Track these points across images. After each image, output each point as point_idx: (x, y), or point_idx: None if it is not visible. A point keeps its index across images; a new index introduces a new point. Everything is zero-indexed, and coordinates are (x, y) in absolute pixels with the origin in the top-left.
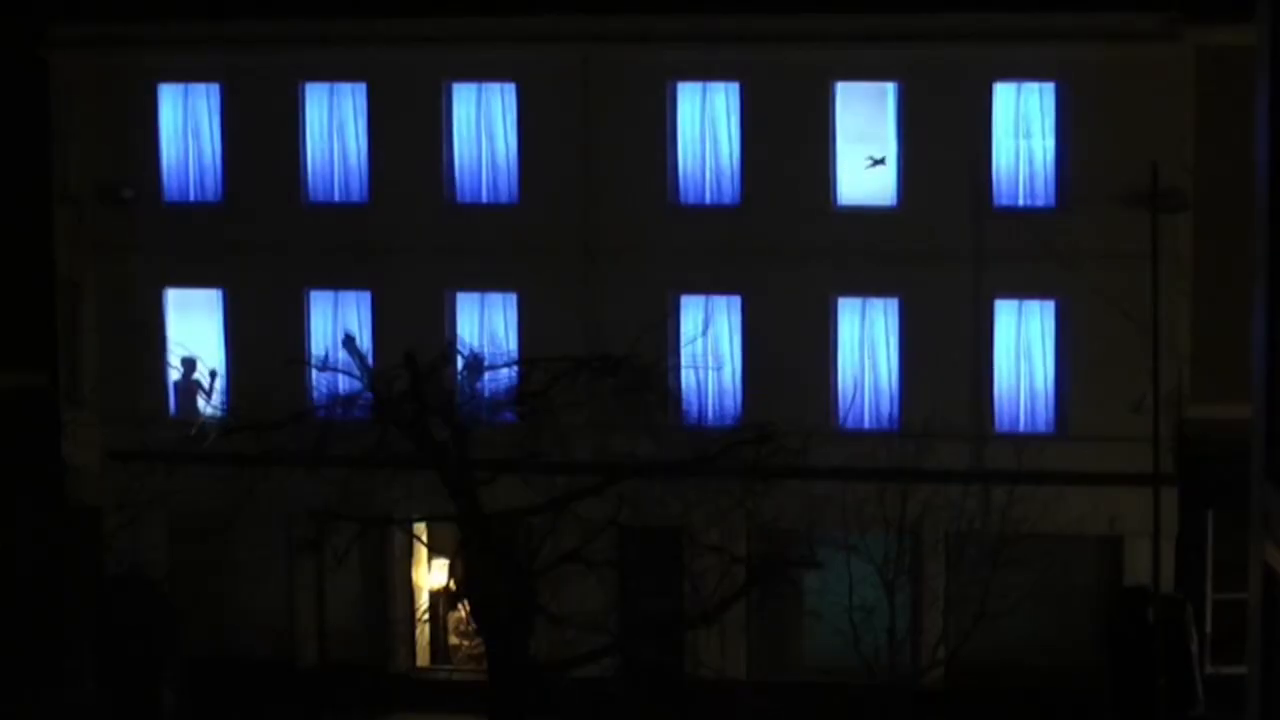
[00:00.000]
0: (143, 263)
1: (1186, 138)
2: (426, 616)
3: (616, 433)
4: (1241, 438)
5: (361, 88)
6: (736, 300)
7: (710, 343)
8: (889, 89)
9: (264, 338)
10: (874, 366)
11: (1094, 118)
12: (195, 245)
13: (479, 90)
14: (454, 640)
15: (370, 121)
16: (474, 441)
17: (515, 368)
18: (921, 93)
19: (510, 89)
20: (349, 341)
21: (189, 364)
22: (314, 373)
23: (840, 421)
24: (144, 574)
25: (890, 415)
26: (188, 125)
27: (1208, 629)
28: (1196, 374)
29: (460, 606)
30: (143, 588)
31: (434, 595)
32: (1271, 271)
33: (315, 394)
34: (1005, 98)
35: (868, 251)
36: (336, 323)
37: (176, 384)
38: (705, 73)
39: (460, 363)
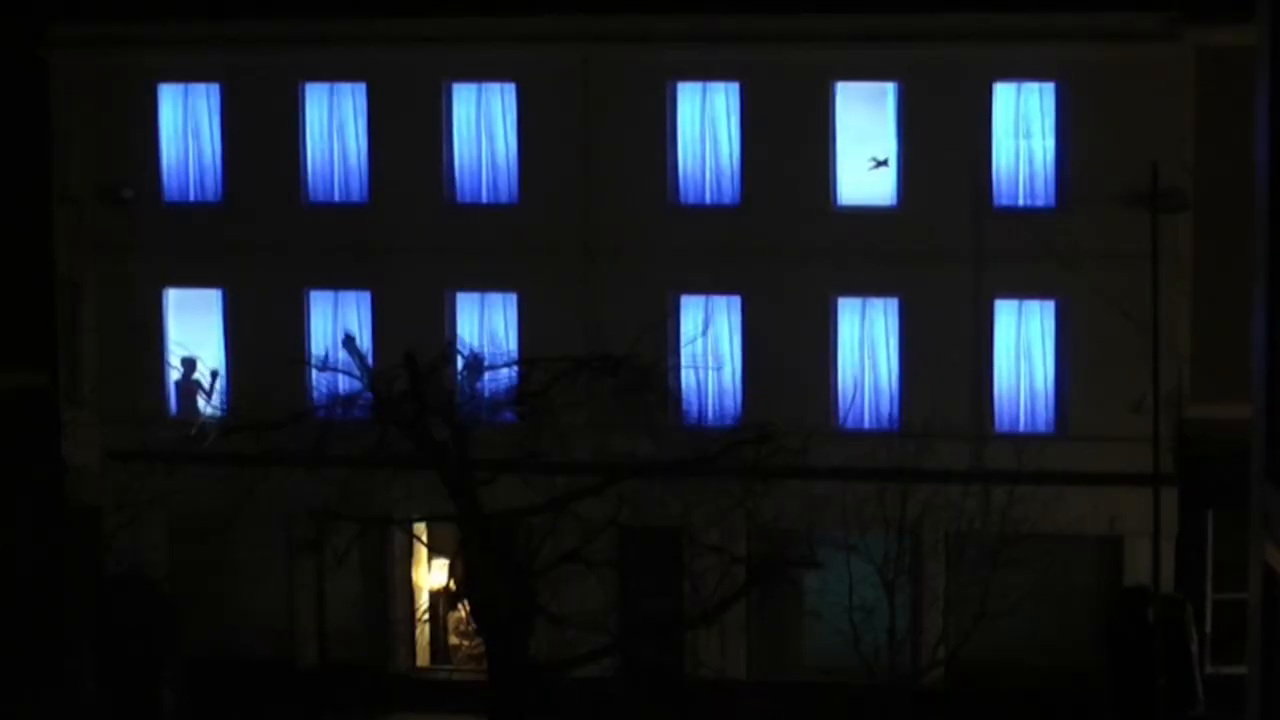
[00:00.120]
0: (143, 263)
1: (1186, 138)
2: (426, 616)
3: (616, 433)
4: (1241, 438)
5: (361, 88)
6: (736, 300)
7: (710, 343)
8: (889, 89)
9: (264, 338)
10: (874, 366)
11: (1094, 118)
12: (195, 245)
13: (479, 90)
14: (454, 640)
15: (370, 121)
16: (474, 441)
17: (515, 368)
18: (921, 93)
19: (510, 89)
20: (349, 341)
21: (189, 364)
22: (314, 373)
23: (840, 421)
24: (144, 574)
25: (890, 415)
26: (188, 125)
27: (1208, 629)
28: (1196, 374)
29: (460, 606)
30: (143, 588)
31: (434, 595)
32: (1271, 271)
33: (315, 394)
34: (1005, 98)
35: (868, 251)
36: (336, 323)
37: (177, 384)
38: (705, 73)
39: (460, 363)
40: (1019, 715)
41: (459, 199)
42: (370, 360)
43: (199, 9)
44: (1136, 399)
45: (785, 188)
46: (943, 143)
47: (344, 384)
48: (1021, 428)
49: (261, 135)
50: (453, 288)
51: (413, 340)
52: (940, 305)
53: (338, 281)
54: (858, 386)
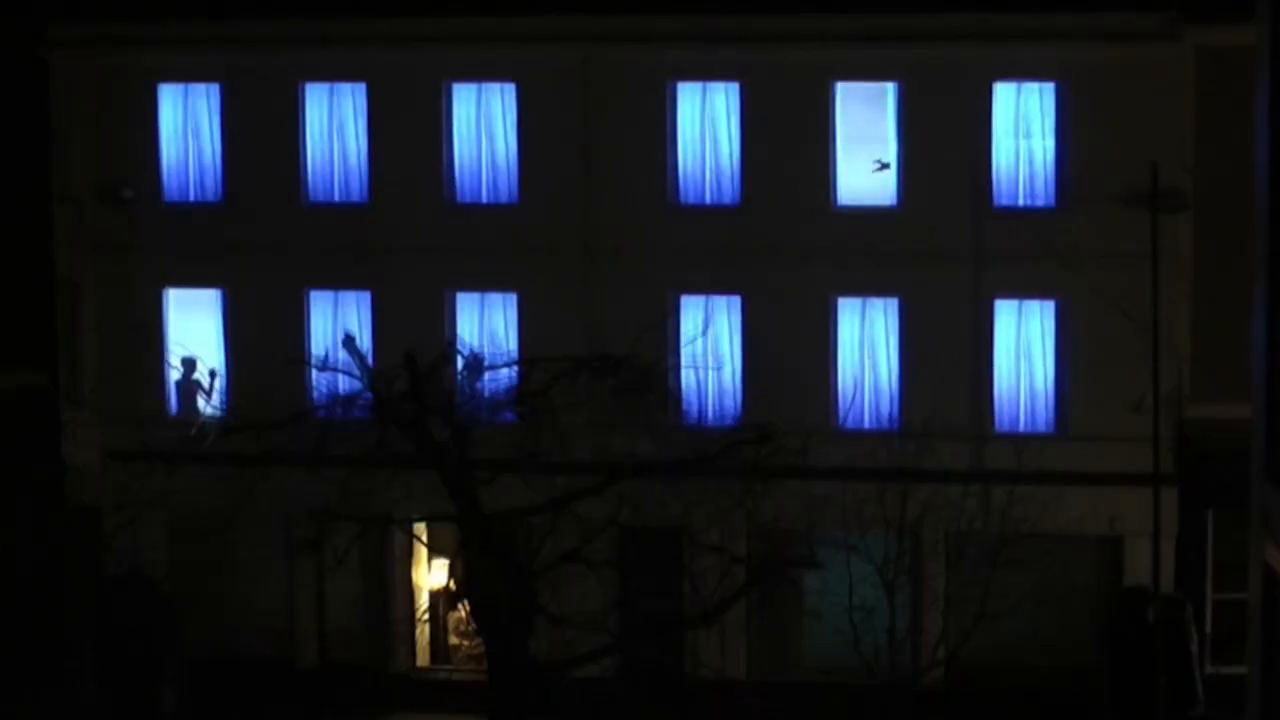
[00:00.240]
0: (143, 263)
1: (1186, 138)
2: (426, 616)
3: (616, 433)
4: (1241, 438)
5: (361, 88)
6: (736, 300)
7: (710, 343)
8: (889, 89)
9: (264, 338)
10: (874, 366)
11: (1094, 118)
12: (195, 245)
13: (479, 90)
14: (454, 640)
15: (370, 121)
16: (474, 441)
17: (515, 368)
18: (921, 93)
19: (510, 89)
20: (349, 341)
21: (189, 364)
22: (314, 373)
23: (840, 421)
24: (144, 574)
25: (890, 415)
26: (188, 125)
27: (1208, 629)
28: (1196, 374)
29: (460, 606)
30: (143, 588)
31: (434, 595)
32: (1271, 271)
33: (315, 394)
34: (1005, 98)
35: (868, 251)
36: (336, 323)
37: (177, 384)
38: (705, 73)
39: (460, 363)
40: (1019, 715)
41: (459, 199)
42: (370, 360)
43: (199, 9)
44: (1136, 399)
45: (785, 188)
46: (943, 143)
47: (344, 384)
48: (1021, 428)
49: (261, 135)
50: (453, 288)
51: (413, 340)
52: (940, 305)
53: (338, 281)
54: (858, 386)
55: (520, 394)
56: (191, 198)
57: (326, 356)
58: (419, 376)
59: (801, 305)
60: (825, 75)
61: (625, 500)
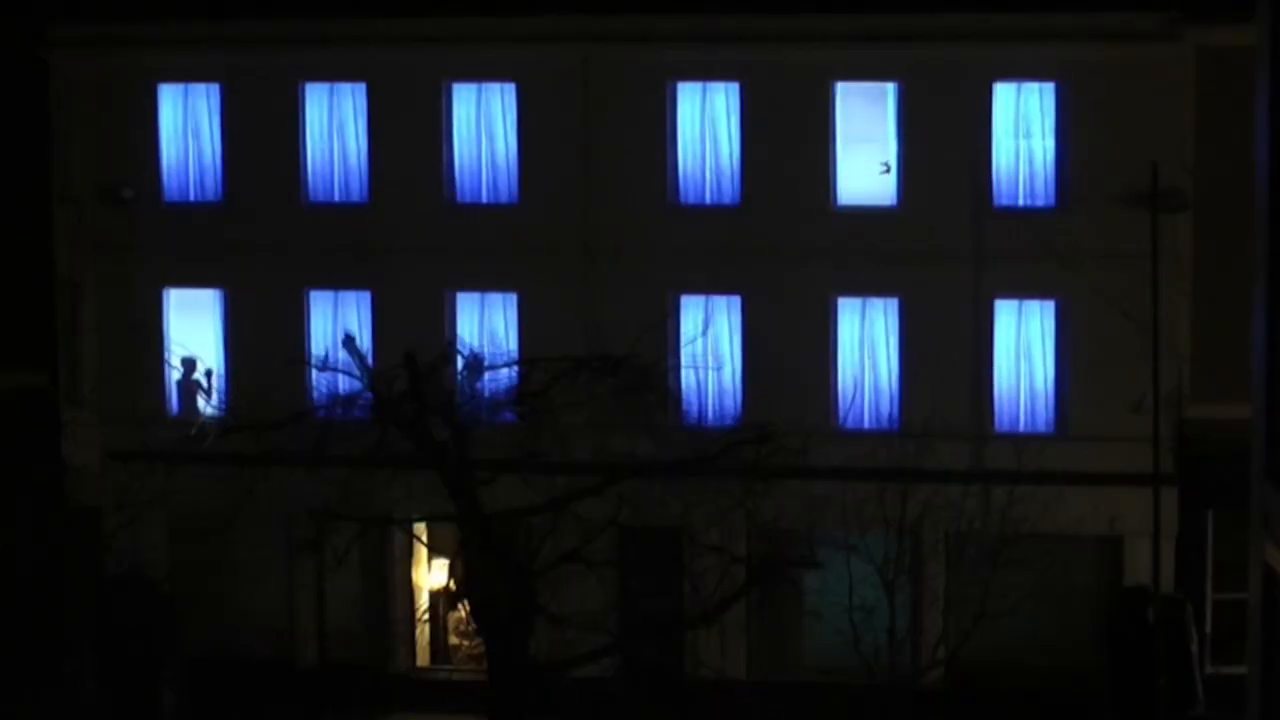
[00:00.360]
0: (143, 263)
1: (1186, 138)
2: (426, 616)
3: (616, 433)
4: (1241, 438)
5: (361, 88)
6: (736, 300)
7: (710, 343)
8: (889, 89)
9: (264, 338)
10: (874, 366)
11: (1094, 118)
12: (195, 245)
13: (479, 90)
14: (454, 640)
15: (370, 121)
16: (474, 441)
17: (515, 368)
18: (921, 93)
19: (510, 89)
20: (349, 341)
21: (189, 364)
22: (314, 373)
23: (840, 421)
24: (144, 574)
25: (890, 415)
26: (188, 125)
27: (1208, 629)
28: (1196, 374)
29: (460, 606)
30: (143, 588)
31: (434, 595)
32: (1271, 271)
33: (315, 394)
34: (1005, 98)
35: (868, 251)
36: (336, 323)
37: (177, 384)
38: (705, 73)
39: (460, 363)
40: (1019, 715)
41: (459, 199)
42: (370, 360)
43: (199, 9)
44: (1136, 399)
45: (785, 188)
46: (943, 143)
47: (344, 384)
48: (1021, 428)
49: (261, 135)
50: (453, 288)
51: (413, 340)
52: (940, 305)
53: (338, 281)
54: (858, 386)
55: (520, 394)
56: (191, 198)
57: (326, 356)
58: (419, 376)
59: (801, 305)
60: (825, 75)
61: (625, 500)
